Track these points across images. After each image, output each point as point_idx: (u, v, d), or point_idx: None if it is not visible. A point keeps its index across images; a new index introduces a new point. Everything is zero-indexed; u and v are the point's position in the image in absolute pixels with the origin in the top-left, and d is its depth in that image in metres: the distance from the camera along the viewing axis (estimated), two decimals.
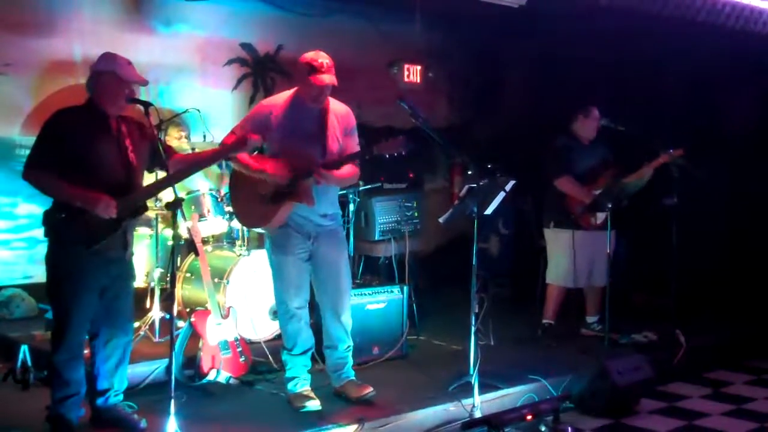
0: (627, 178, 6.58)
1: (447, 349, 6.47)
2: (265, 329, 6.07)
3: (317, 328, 5.20)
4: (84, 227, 4.23)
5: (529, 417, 4.94)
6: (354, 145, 5.06)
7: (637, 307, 7.70)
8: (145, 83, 4.54)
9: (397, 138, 4.82)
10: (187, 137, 6.91)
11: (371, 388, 5.09)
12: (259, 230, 5.60)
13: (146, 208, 4.51)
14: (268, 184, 4.85)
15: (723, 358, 6.86)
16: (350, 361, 5.22)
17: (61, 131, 4.30)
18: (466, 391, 5.12)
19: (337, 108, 5.03)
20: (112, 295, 4.49)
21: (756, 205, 7.69)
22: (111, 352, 4.57)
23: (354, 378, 5.19)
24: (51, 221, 4.34)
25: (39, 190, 4.34)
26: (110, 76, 4.37)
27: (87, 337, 4.55)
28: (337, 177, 4.93)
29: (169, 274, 5.23)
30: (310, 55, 4.86)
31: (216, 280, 5.81)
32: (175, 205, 4.16)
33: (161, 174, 4.65)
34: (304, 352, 5.08)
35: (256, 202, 4.92)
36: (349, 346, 5.18)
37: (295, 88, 5.01)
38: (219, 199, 6.32)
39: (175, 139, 6.72)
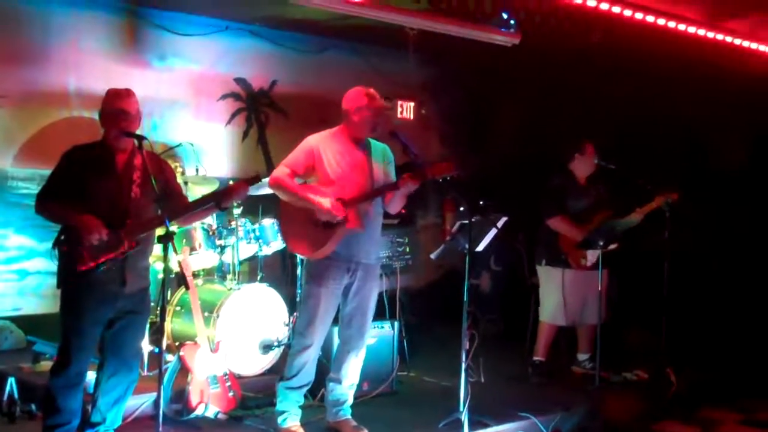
0: (618, 219, 6.60)
1: (437, 385, 6.43)
2: (254, 364, 6.04)
3: (319, 364, 5.18)
4: (73, 256, 4.27)
5: None
6: (393, 176, 5.15)
7: (629, 344, 7.68)
8: (127, 110, 4.48)
9: (447, 162, 4.85)
10: (182, 170, 6.92)
11: (366, 431, 5.06)
12: (301, 257, 5.49)
13: (137, 243, 4.44)
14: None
15: (714, 397, 6.83)
16: (351, 399, 5.20)
17: (68, 165, 4.45)
18: (456, 428, 5.09)
19: (376, 144, 5.14)
20: (119, 327, 4.51)
21: (747, 244, 7.71)
22: (113, 387, 4.56)
23: (350, 417, 5.16)
24: (58, 252, 4.40)
25: (47, 219, 4.48)
26: (103, 112, 4.51)
27: (97, 360, 4.58)
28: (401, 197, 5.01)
29: (159, 308, 5.19)
30: (360, 95, 4.99)
31: (206, 313, 5.79)
32: (166, 238, 4.16)
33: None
34: (301, 387, 5.05)
35: (309, 228, 4.88)
36: (353, 384, 5.17)
37: (338, 128, 5.08)
38: (210, 233, 6.31)
39: None
